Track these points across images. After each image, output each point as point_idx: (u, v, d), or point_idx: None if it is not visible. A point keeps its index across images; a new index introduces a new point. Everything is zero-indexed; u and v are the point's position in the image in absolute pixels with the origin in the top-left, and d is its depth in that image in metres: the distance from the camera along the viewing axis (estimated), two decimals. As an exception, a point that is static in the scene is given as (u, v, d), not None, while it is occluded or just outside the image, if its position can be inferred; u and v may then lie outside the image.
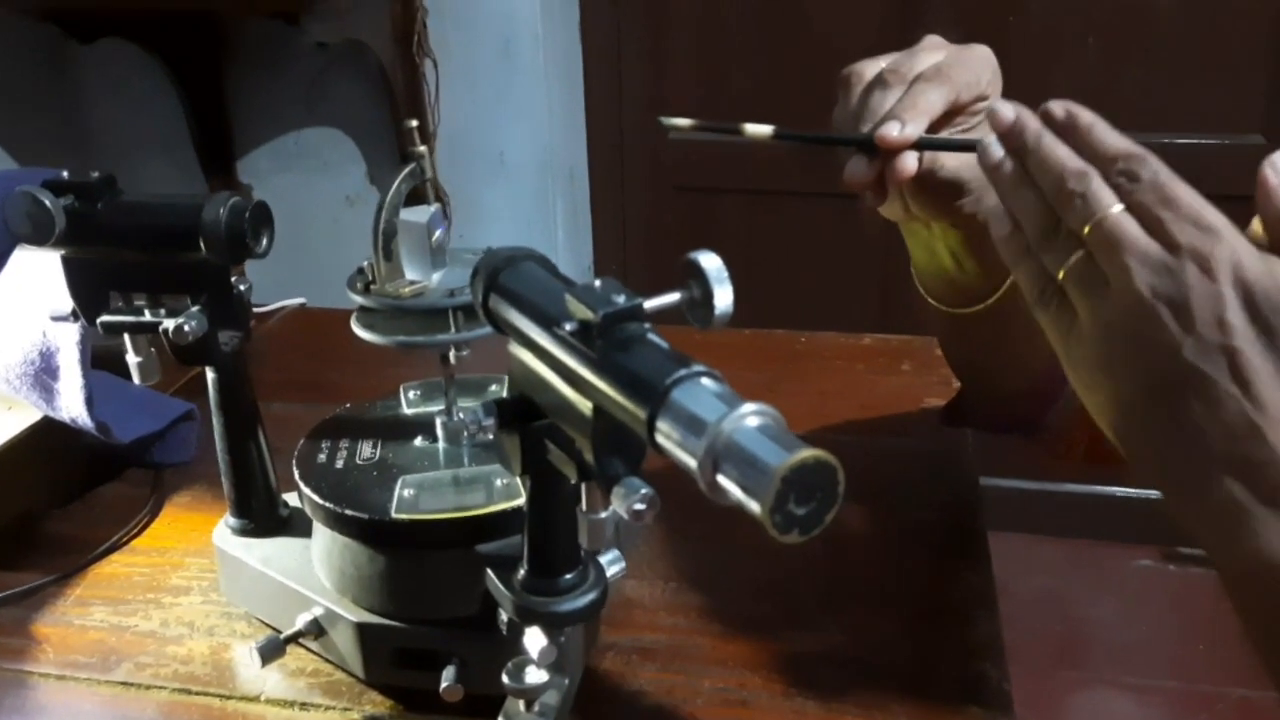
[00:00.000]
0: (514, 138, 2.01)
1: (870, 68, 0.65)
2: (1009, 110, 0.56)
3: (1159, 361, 0.49)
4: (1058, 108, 0.54)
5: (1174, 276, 0.48)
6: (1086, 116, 0.53)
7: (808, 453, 0.35)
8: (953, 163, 0.65)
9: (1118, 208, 0.50)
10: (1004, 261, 0.57)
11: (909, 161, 0.61)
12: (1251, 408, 0.47)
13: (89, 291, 0.70)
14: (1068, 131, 0.53)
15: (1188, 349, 0.48)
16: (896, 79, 0.63)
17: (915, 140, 0.60)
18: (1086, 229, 0.51)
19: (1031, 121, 0.55)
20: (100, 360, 0.86)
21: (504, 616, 0.57)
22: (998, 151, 0.56)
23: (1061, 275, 0.52)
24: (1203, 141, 1.91)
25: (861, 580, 0.78)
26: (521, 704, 0.58)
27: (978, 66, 0.64)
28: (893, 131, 0.60)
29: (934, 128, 0.62)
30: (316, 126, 2.07)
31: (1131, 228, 0.50)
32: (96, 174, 0.67)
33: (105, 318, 0.70)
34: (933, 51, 0.64)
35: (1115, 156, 0.51)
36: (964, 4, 1.91)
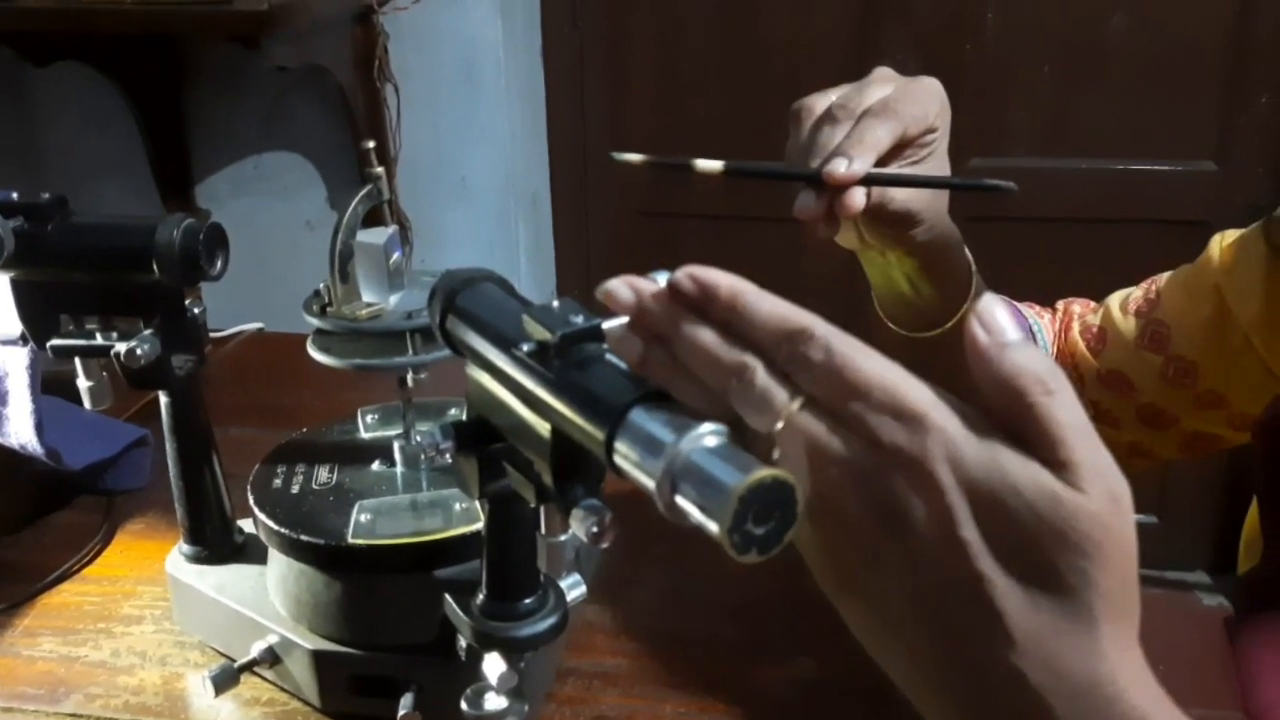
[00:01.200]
0: (476, 162, 2.00)
1: (820, 102, 0.65)
2: (624, 291, 0.42)
3: (895, 595, 0.38)
4: (684, 278, 0.41)
5: (886, 491, 0.37)
6: (726, 285, 0.40)
7: (765, 472, 0.35)
8: (903, 195, 0.65)
9: (796, 405, 0.38)
10: None
11: (857, 197, 0.61)
12: (1006, 647, 0.36)
13: (39, 315, 0.69)
14: (709, 307, 0.41)
15: (921, 579, 0.37)
16: (845, 114, 0.63)
17: (862, 176, 0.61)
18: (772, 432, 0.39)
19: (658, 304, 0.42)
20: (51, 385, 0.85)
21: (462, 642, 0.57)
22: (632, 348, 0.42)
23: None
24: (1156, 168, 1.94)
25: (824, 602, 0.78)
26: (480, 731, 0.57)
27: (925, 99, 0.64)
28: (840, 168, 0.60)
29: (882, 161, 0.63)
30: (276, 151, 2.05)
31: (819, 433, 0.38)
32: (48, 195, 0.66)
33: (56, 341, 0.69)
34: (881, 85, 0.64)
35: (777, 338, 0.39)
36: (922, 33, 1.93)
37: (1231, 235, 0.79)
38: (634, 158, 0.64)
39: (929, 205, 0.67)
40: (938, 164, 0.67)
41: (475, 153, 2.00)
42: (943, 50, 1.91)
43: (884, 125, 0.61)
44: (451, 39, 1.92)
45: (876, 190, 0.63)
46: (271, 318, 1.31)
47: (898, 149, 0.64)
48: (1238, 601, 0.67)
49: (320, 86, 1.93)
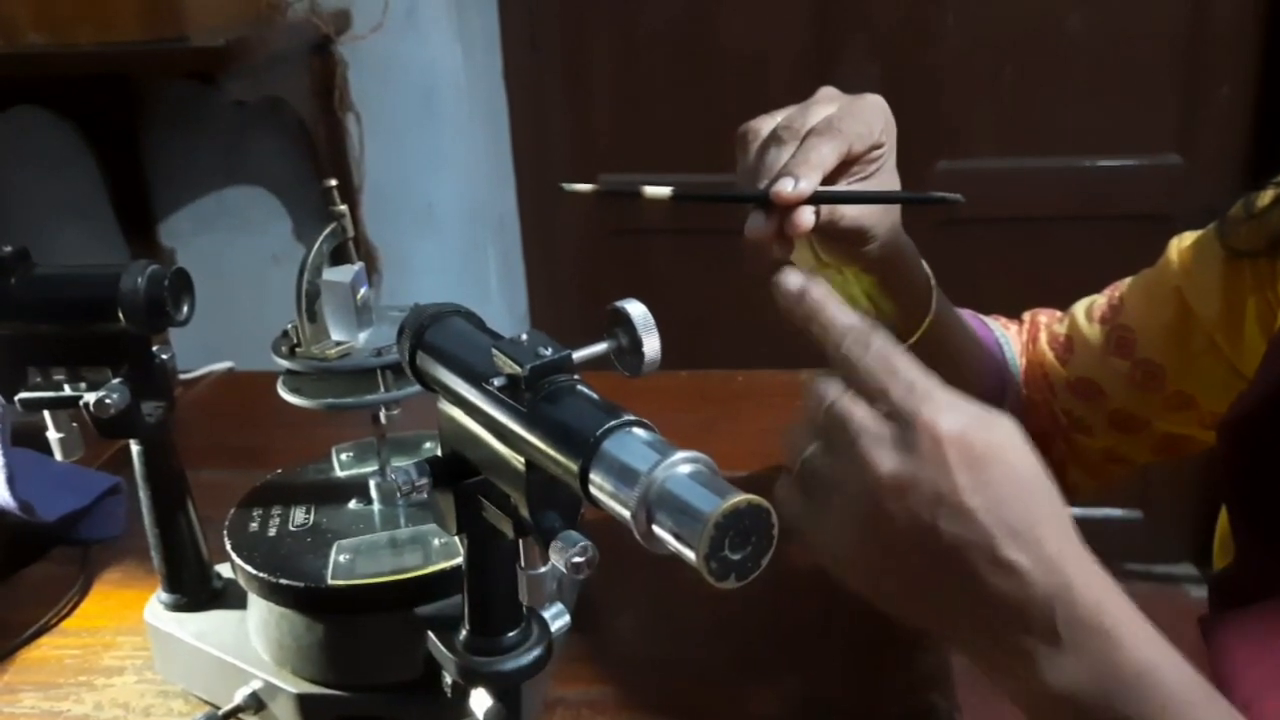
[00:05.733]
0: (442, 189, 2.00)
1: (766, 124, 0.66)
2: None
3: (924, 543, 0.48)
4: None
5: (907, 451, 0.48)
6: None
7: (740, 498, 0.35)
8: (853, 212, 0.66)
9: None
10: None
11: (806, 216, 0.61)
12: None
13: (5, 368, 0.68)
14: None
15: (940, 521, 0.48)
16: (790, 134, 0.63)
17: (810, 194, 0.61)
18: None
19: None
20: (20, 437, 0.84)
21: (448, 679, 0.56)
22: None
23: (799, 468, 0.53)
24: (1122, 163, 1.96)
25: (807, 618, 0.78)
26: (470, 767, 0.57)
27: (869, 116, 0.65)
28: (786, 188, 0.60)
29: (829, 179, 0.63)
30: (239, 185, 2.04)
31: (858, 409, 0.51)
32: (9, 248, 0.66)
33: (24, 394, 0.68)
34: (825, 104, 0.65)
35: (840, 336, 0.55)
36: (882, 41, 1.94)
37: (1189, 237, 0.79)
38: (584, 187, 0.64)
39: (880, 220, 0.67)
40: (886, 179, 0.67)
41: (440, 179, 1.99)
42: (904, 56, 1.92)
43: (829, 143, 0.62)
44: (411, 66, 1.92)
45: (826, 208, 0.64)
46: (241, 354, 1.30)
47: (844, 166, 0.64)
48: (1211, 601, 0.67)
49: (280, 119, 1.92)
